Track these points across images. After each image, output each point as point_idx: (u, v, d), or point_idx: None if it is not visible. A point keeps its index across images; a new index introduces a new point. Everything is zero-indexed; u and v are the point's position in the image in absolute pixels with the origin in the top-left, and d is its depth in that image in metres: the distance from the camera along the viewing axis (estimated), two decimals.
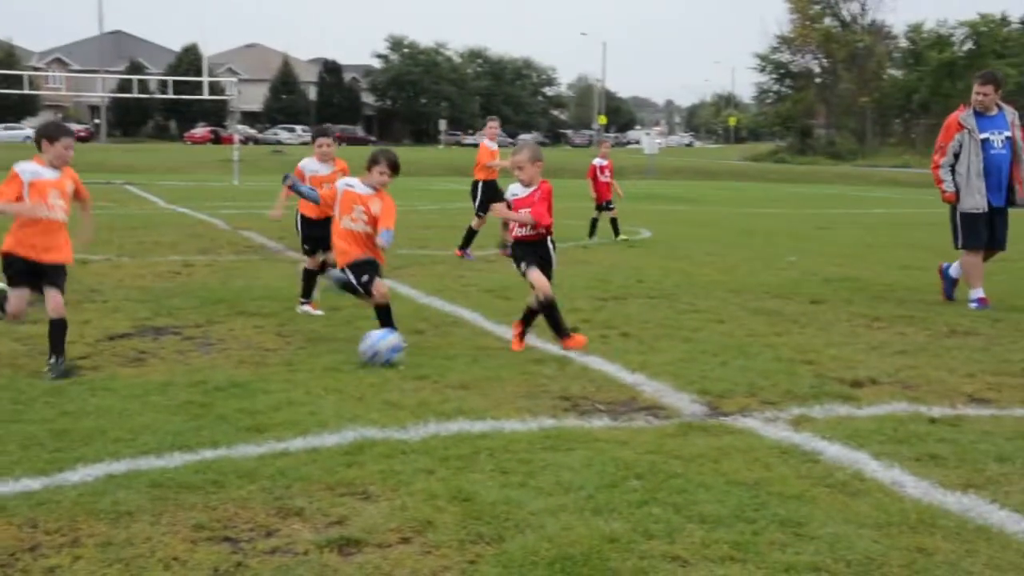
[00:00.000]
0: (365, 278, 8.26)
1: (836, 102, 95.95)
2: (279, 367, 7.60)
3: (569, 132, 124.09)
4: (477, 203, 16.02)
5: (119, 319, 9.54)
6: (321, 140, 10.64)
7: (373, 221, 8.40)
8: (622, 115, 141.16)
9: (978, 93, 11.26)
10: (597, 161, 19.50)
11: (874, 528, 4.57)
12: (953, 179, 11.18)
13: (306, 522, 4.59)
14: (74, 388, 6.85)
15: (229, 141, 59.32)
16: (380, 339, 7.77)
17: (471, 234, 15.76)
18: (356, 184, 8.57)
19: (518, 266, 8.50)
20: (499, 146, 16.74)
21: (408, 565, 4.16)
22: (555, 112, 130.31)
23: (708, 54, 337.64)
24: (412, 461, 5.40)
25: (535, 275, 8.35)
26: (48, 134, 7.63)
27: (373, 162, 8.53)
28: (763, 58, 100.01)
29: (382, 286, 8.37)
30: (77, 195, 7.86)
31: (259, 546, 4.31)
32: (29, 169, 7.50)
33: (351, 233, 8.44)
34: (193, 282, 12.01)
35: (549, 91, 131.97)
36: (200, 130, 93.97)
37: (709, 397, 6.96)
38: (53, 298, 7.53)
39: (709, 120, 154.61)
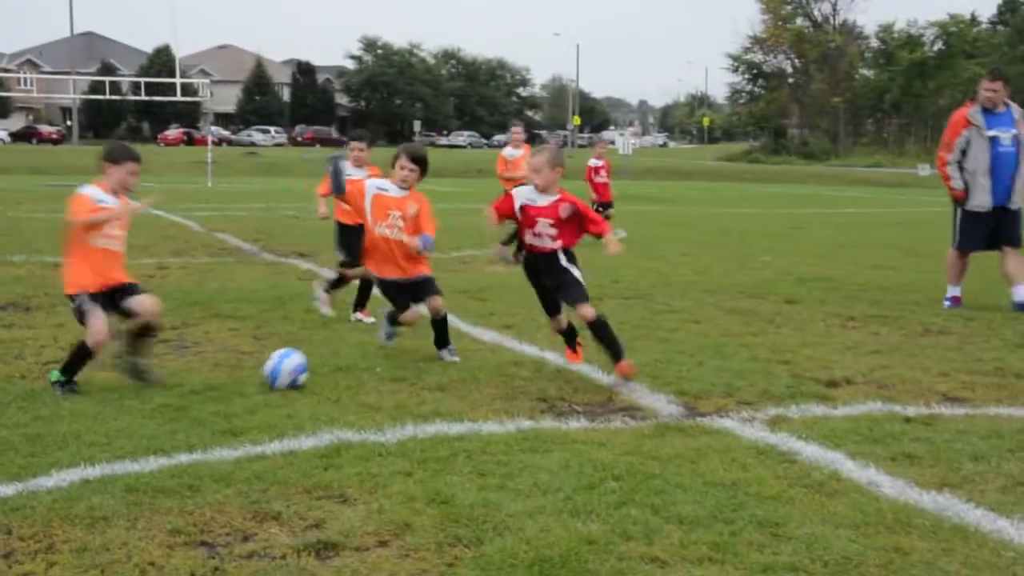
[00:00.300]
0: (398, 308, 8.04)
1: (809, 102, 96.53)
2: (255, 370, 7.56)
3: (544, 133, 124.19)
4: None
5: None
6: (354, 144, 10.05)
7: (410, 226, 7.93)
8: (596, 115, 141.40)
9: (987, 89, 11.07)
10: (593, 162, 19.48)
11: (851, 528, 4.59)
12: (961, 176, 11.07)
13: (283, 526, 4.57)
14: (48, 392, 6.79)
15: (203, 143, 59.04)
16: (282, 359, 7.07)
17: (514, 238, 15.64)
18: (388, 187, 8.04)
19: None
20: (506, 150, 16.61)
21: (386, 568, 4.15)
22: (529, 113, 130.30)
23: (682, 54, 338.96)
24: (389, 463, 5.39)
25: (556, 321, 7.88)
26: (113, 156, 7.07)
27: (396, 158, 8.03)
28: (735, 58, 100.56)
29: (412, 315, 8.14)
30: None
31: (236, 550, 4.29)
32: (95, 196, 6.98)
33: (386, 242, 7.94)
34: (167, 285, 11.94)
35: (523, 92, 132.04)
36: (173, 132, 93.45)
37: (686, 398, 6.98)
38: (143, 301, 7.13)
39: (683, 120, 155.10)
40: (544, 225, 7.59)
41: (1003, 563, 4.27)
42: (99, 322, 6.88)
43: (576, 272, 7.61)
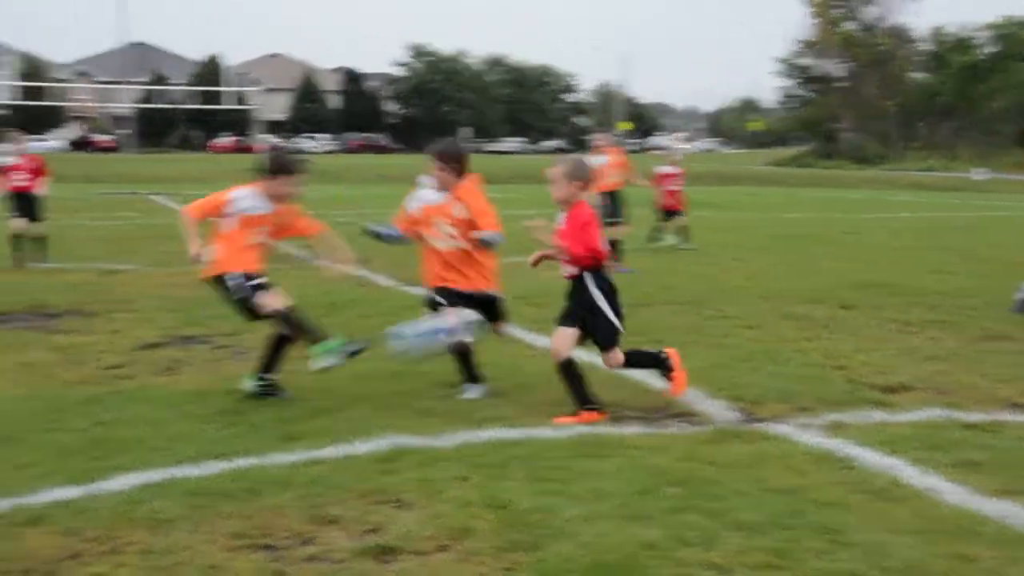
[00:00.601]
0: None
1: (860, 106, 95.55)
2: (311, 375, 7.62)
3: (590, 138, 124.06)
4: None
5: (150, 329, 9.59)
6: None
7: (464, 229, 7.09)
8: (644, 121, 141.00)
9: None
10: (665, 168, 18.98)
11: (912, 535, 4.55)
12: None
13: (343, 530, 4.61)
14: (110, 398, 6.89)
15: (253, 150, 59.55)
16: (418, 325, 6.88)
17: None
18: (429, 195, 7.33)
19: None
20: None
21: (446, 573, 4.17)
22: (577, 119, 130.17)
23: (731, 59, 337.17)
24: (446, 468, 5.41)
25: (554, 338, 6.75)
26: (275, 167, 7.00)
27: (430, 159, 7.22)
28: (786, 62, 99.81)
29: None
30: (298, 231, 7.43)
31: (297, 554, 4.33)
32: (246, 203, 7.01)
33: (438, 255, 7.21)
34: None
35: (570, 97, 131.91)
36: (224, 140, 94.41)
37: (742, 403, 6.94)
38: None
39: (732, 125, 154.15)
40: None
41: None
42: (269, 295, 6.95)
43: (597, 300, 6.63)
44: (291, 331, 6.98)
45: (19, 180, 14.81)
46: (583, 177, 6.76)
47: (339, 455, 5.64)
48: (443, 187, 7.16)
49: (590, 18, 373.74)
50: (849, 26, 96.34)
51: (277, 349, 7.00)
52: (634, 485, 5.17)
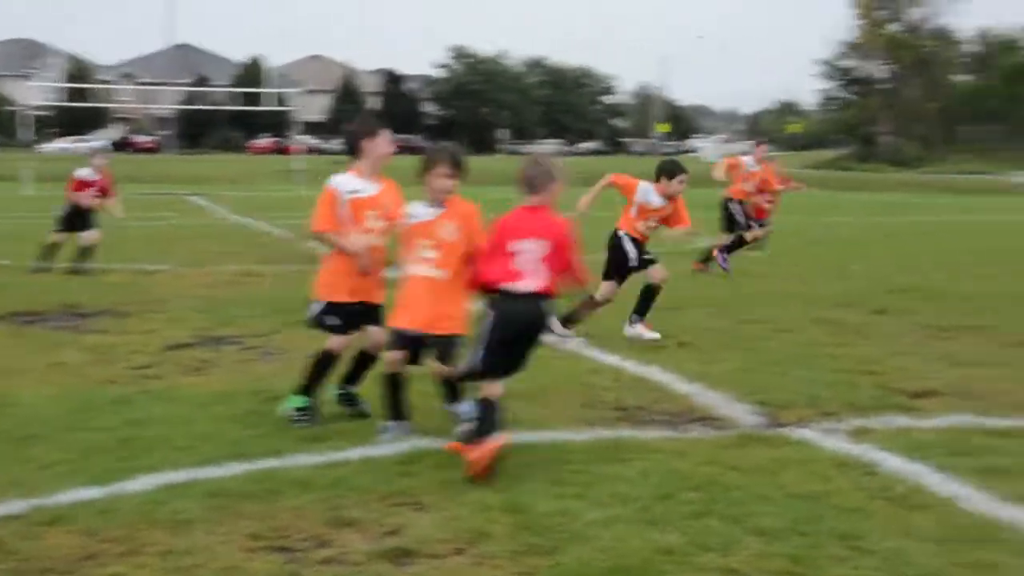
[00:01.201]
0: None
1: (902, 108, 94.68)
2: (337, 377, 7.64)
3: (628, 140, 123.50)
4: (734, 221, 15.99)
5: (181, 329, 9.66)
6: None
7: (449, 256, 5.94)
8: (683, 123, 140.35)
9: None
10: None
11: (934, 542, 4.50)
12: None
13: (360, 532, 4.62)
14: (138, 398, 6.95)
15: (291, 151, 59.87)
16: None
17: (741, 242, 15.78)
18: (417, 211, 6.12)
19: None
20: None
21: None
22: (615, 121, 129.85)
23: (771, 60, 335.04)
24: (466, 471, 5.41)
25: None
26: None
27: (429, 164, 6.00)
28: (828, 64, 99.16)
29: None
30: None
31: (313, 556, 4.35)
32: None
33: (420, 282, 5.99)
34: (255, 292, 12.13)
35: (609, 99, 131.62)
36: (263, 140, 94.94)
37: (768, 408, 6.89)
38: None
39: (770, 128, 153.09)
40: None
41: None
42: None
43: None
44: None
45: (88, 198, 14.64)
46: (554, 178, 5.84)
47: (361, 456, 5.66)
48: (441, 200, 6.02)
49: (630, 20, 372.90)
50: (893, 27, 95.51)
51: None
52: (654, 489, 5.14)
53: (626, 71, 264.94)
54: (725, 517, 4.78)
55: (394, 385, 6.12)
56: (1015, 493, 5.13)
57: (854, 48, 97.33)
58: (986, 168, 71.83)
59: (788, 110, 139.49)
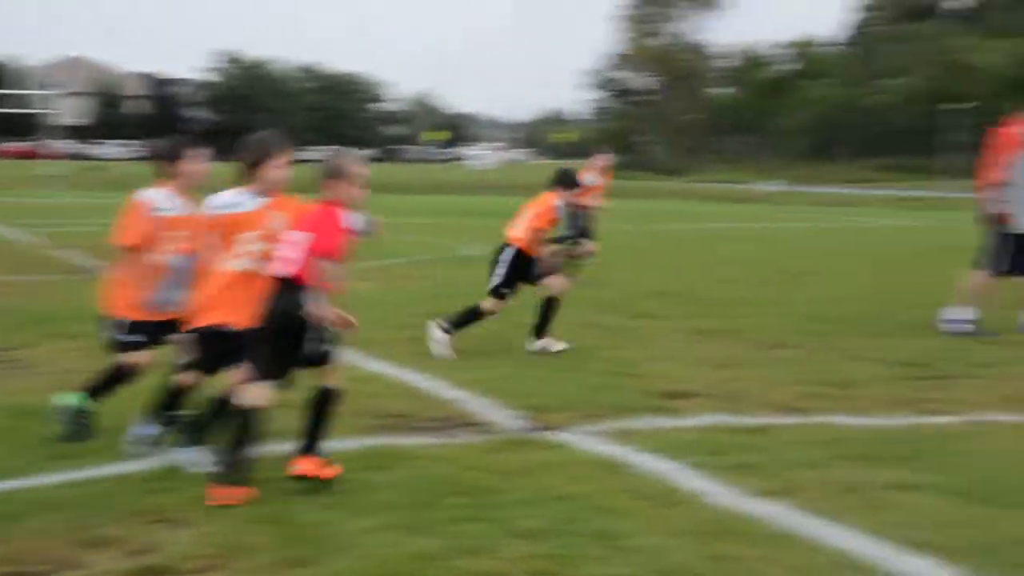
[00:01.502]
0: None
1: (667, 119, 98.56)
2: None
3: (399, 148, 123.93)
4: None
5: None
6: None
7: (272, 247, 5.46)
8: (464, 131, 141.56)
9: None
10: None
11: (687, 537, 4.68)
12: (1007, 199, 10.46)
13: (112, 551, 4.43)
14: None
15: (49, 156, 57.08)
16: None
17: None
18: (235, 200, 5.65)
19: None
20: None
21: None
22: (392, 128, 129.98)
23: (546, 71, 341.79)
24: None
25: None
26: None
27: (267, 154, 5.61)
28: (597, 75, 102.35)
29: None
30: None
31: None
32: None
33: (235, 278, 5.58)
34: (3, 303, 11.46)
35: (383, 107, 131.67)
36: (16, 144, 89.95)
37: (532, 412, 7.00)
38: None
39: (542, 137, 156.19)
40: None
41: (820, 566, 4.43)
42: None
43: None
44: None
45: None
46: (343, 175, 5.44)
47: (114, 474, 5.42)
48: (273, 191, 5.66)
49: (413, 27, 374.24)
50: (655, 41, 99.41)
51: None
52: (418, 496, 5.15)
53: (408, 79, 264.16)
54: (487, 520, 4.82)
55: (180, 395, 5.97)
56: (763, 488, 5.40)
57: (624, 60, 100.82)
58: (742, 178, 75.45)
59: (555, 120, 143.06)
